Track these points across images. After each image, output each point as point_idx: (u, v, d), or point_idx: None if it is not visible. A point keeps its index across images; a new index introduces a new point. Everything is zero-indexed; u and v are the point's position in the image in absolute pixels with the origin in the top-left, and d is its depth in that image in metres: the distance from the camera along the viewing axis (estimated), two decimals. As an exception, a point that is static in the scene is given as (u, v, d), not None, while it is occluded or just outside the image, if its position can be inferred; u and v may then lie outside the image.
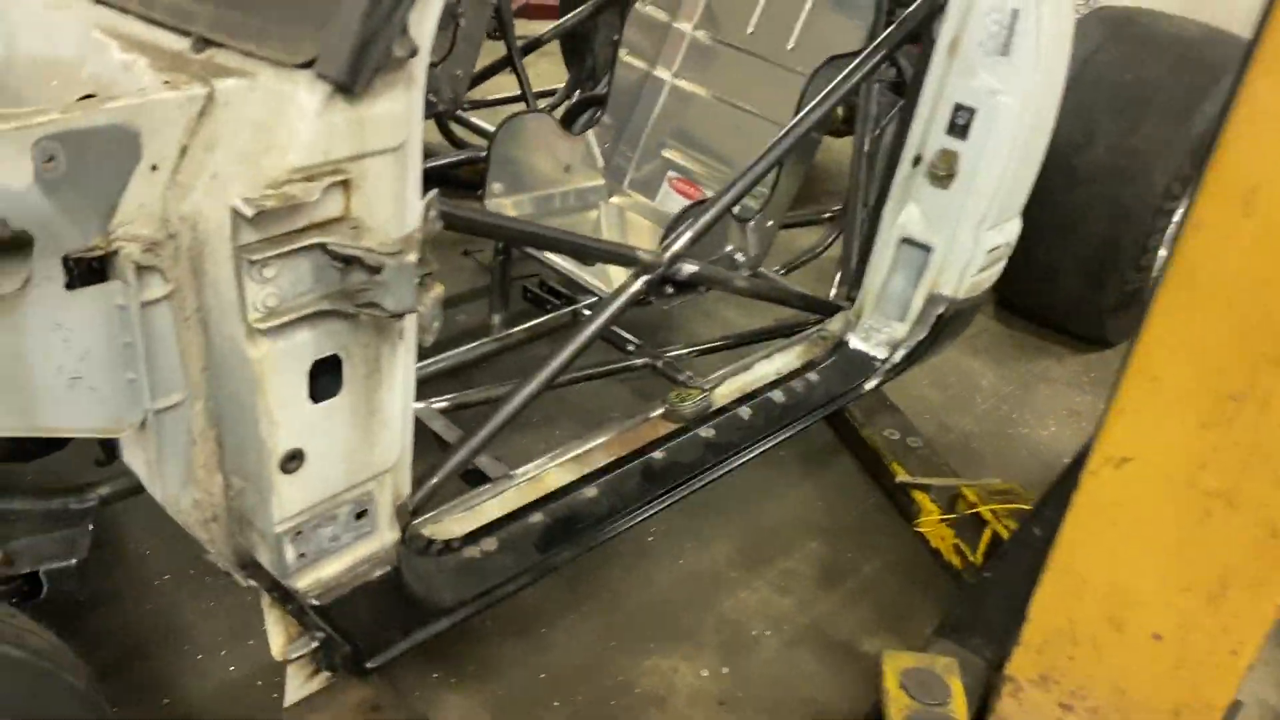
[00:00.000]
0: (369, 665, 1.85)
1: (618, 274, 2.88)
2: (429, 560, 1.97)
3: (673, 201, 2.97)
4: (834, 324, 2.85)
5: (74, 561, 1.97)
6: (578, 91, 3.74)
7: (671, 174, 3.01)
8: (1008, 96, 2.46)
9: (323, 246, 1.41)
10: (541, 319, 2.93)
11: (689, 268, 2.37)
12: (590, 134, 3.17)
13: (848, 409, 3.07)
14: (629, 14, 3.20)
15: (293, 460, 1.55)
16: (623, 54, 3.19)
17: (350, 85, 1.35)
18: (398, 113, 1.44)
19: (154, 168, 1.32)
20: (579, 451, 2.33)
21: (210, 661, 2.31)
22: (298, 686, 1.87)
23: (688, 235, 2.33)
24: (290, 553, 1.64)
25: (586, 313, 3.00)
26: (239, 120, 1.34)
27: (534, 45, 3.67)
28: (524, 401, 2.18)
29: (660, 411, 2.48)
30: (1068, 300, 3.70)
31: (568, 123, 3.37)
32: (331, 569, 1.72)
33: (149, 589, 2.48)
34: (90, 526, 2.09)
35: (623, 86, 3.19)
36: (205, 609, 2.43)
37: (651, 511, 2.30)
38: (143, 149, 1.30)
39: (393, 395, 1.65)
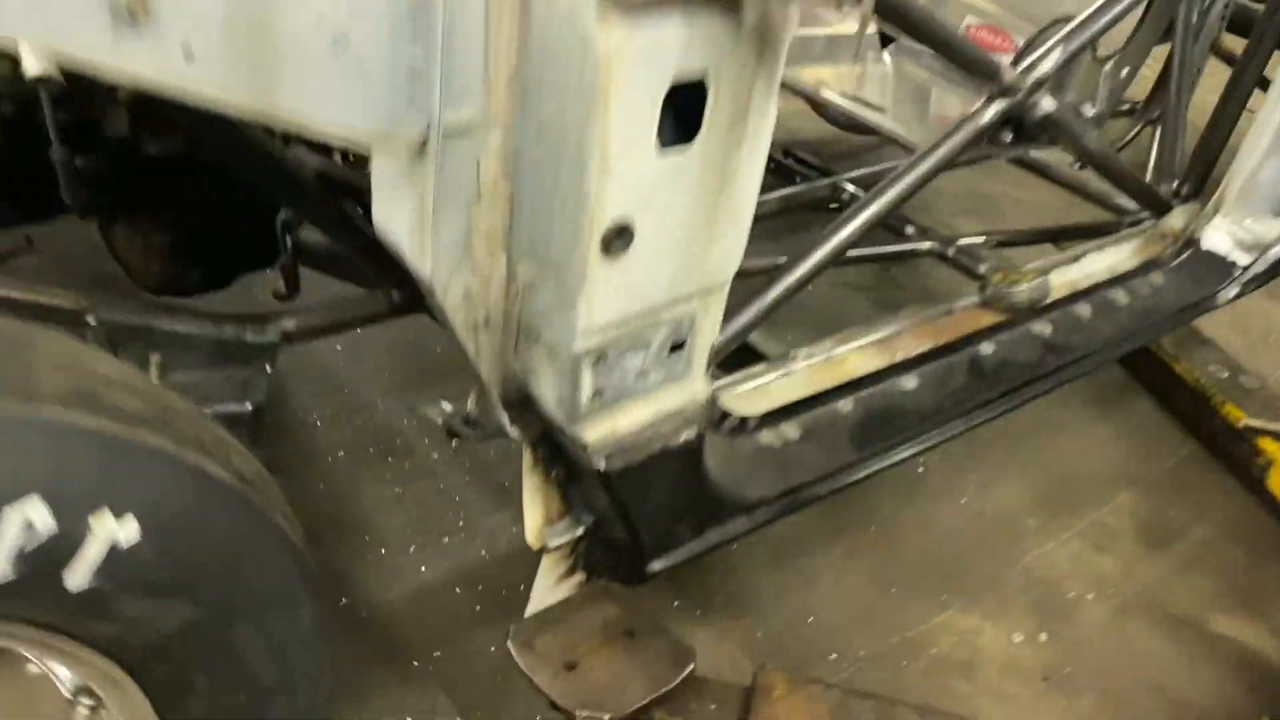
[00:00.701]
0: (653, 568, 1.33)
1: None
2: (723, 440, 1.44)
3: (968, 59, 2.38)
4: (1175, 220, 2.23)
5: (248, 407, 1.51)
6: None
7: (969, 20, 2.41)
8: None
9: None
10: (798, 188, 2.38)
11: (1047, 105, 1.78)
12: (867, -28, 2.59)
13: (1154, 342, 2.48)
14: None
15: (619, 237, 1.03)
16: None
17: None
18: None
19: None
20: (879, 336, 1.78)
21: (397, 559, 1.83)
22: (548, 587, 1.36)
23: (1055, 56, 1.75)
24: (587, 383, 1.12)
25: (849, 187, 2.44)
26: None
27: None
28: (813, 270, 1.64)
29: (976, 299, 1.91)
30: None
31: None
32: (630, 419, 1.20)
33: (321, 466, 2.01)
34: (270, 368, 1.63)
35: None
36: (390, 496, 1.96)
37: (988, 416, 1.74)
38: None
39: (750, 165, 1.12)
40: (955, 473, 2.21)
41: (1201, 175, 2.31)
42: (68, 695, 0.94)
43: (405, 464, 2.03)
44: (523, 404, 1.19)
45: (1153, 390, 2.55)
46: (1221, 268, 2.18)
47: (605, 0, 0.89)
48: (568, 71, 0.94)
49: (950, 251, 2.23)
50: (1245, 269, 2.17)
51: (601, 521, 1.30)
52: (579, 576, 1.40)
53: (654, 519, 1.29)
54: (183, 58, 0.80)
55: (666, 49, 0.96)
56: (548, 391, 1.15)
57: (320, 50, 0.85)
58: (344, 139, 0.95)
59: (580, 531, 1.32)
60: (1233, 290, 2.17)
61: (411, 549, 1.85)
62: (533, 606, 1.38)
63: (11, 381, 0.78)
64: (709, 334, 1.23)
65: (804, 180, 2.45)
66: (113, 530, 0.79)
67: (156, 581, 0.83)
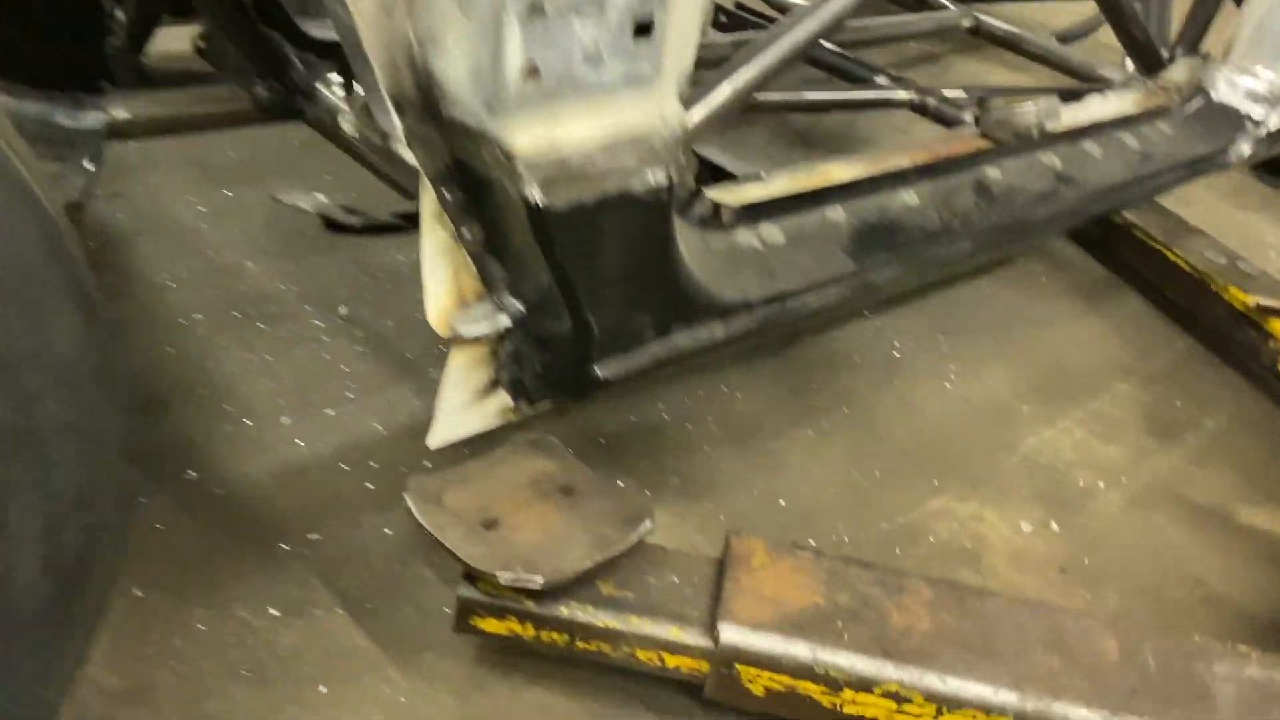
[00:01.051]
0: (602, 374, 0.98)
1: None
2: (694, 229, 1.10)
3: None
4: (1177, 73, 1.98)
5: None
6: None
7: None
8: None
9: None
10: (755, 33, 2.06)
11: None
12: None
13: (1141, 231, 2.22)
14: None
15: None
16: None
17: None
18: None
19: None
20: (870, 157, 1.46)
21: (266, 432, 1.45)
22: (459, 406, 1.00)
23: None
24: (515, 47, 0.77)
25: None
26: None
27: None
28: (779, 61, 1.31)
29: (973, 129, 1.60)
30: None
31: None
32: (578, 129, 0.85)
33: (171, 329, 1.61)
34: (93, 166, 1.25)
35: None
36: (258, 363, 1.57)
37: (1001, 242, 1.44)
38: None
39: None
40: (935, 359, 1.91)
41: (1197, 34, 2.06)
42: None
43: (280, 330, 1.64)
44: (423, 100, 0.82)
45: (1143, 282, 2.28)
46: (1234, 120, 1.92)
47: None
48: None
49: (931, 101, 1.93)
50: (1260, 123, 1.92)
51: (534, 308, 0.95)
52: (502, 398, 1.04)
53: (606, 297, 0.94)
54: None
55: None
56: (457, 64, 0.79)
57: None
58: None
59: (504, 322, 0.96)
60: (1246, 146, 1.91)
61: (285, 420, 1.47)
62: (438, 434, 1.01)
63: None
64: (686, 24, 0.88)
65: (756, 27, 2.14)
66: None
67: None
